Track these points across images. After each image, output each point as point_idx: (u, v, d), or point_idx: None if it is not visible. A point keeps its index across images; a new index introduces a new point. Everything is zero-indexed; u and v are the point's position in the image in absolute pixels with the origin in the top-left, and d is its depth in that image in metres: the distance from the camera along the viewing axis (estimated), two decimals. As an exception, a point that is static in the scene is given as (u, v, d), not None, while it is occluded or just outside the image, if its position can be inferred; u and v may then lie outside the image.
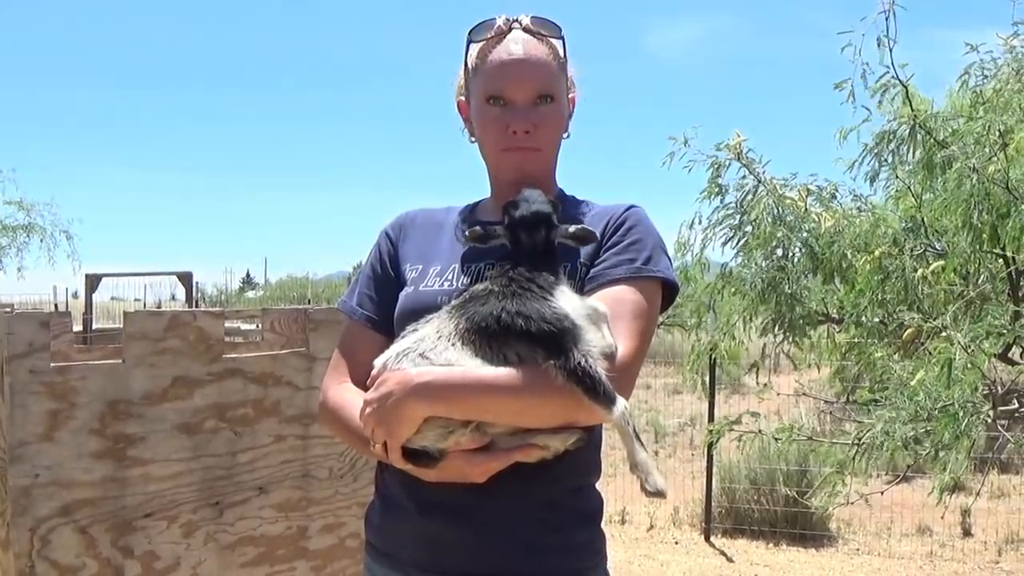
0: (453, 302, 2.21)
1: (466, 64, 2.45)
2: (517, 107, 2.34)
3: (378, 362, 2.19)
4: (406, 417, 2.09)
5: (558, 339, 2.04)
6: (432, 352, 2.12)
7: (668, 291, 2.35)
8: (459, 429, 2.08)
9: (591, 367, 2.01)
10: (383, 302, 2.48)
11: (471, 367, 2.08)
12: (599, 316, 2.14)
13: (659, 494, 2.06)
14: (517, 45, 2.37)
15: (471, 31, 2.43)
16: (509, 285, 2.14)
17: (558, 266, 2.22)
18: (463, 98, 2.50)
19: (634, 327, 2.19)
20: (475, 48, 2.42)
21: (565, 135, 2.48)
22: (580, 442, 2.17)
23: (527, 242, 2.22)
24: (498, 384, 2.06)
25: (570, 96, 2.48)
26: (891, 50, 5.31)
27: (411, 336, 2.19)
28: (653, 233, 2.36)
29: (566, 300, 2.13)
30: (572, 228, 2.25)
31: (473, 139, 2.50)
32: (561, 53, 2.43)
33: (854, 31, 5.27)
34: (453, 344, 2.11)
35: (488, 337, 2.09)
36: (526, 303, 2.08)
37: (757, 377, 6.84)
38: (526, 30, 2.39)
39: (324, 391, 2.51)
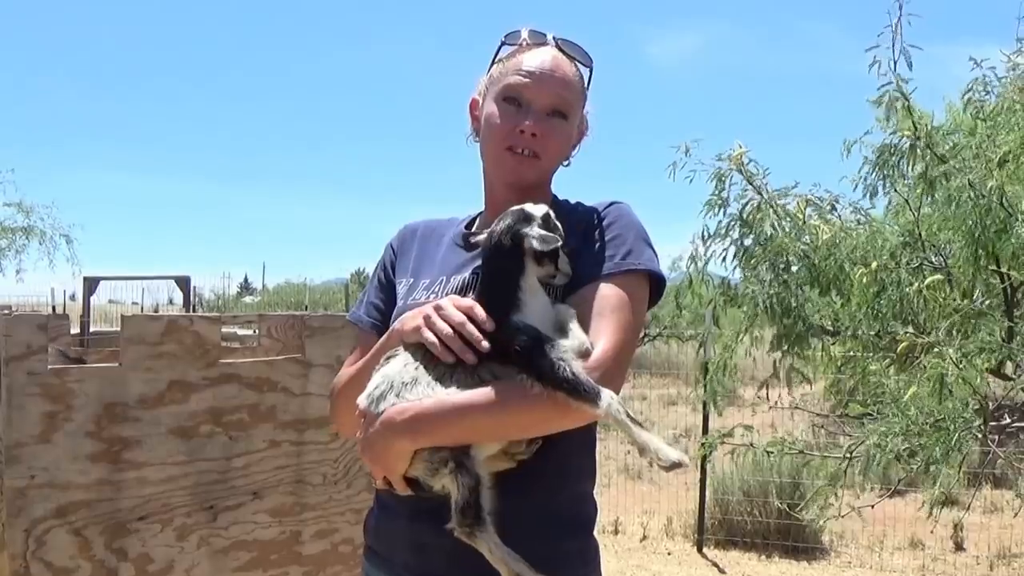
0: None
1: (494, 62, 2.49)
2: (532, 109, 2.36)
3: (361, 401, 2.20)
4: (394, 454, 2.13)
5: (526, 352, 2.05)
6: (406, 387, 2.13)
7: (656, 282, 2.36)
8: (442, 468, 2.10)
9: (566, 370, 2.01)
10: (389, 308, 2.52)
11: (447, 394, 2.10)
12: (568, 317, 2.14)
13: (677, 465, 2.01)
14: (548, 57, 2.40)
15: (508, 35, 2.47)
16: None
17: (522, 276, 2.19)
18: (478, 96, 2.52)
19: (616, 320, 2.18)
20: (507, 50, 2.47)
21: (565, 162, 2.51)
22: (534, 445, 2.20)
23: (493, 260, 2.21)
24: (477, 404, 2.07)
25: (579, 127, 2.50)
26: (895, 63, 5.34)
27: (383, 370, 2.20)
28: (634, 226, 2.36)
29: (531, 311, 2.13)
30: (535, 240, 2.18)
31: (477, 138, 2.52)
32: (585, 82, 2.48)
33: (879, 46, 5.29)
34: (428, 374, 2.13)
35: (460, 363, 2.11)
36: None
37: (768, 393, 6.80)
38: (559, 48, 2.43)
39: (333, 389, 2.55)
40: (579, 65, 2.46)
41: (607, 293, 2.23)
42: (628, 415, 2.03)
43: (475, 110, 2.53)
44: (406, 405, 2.10)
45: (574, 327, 2.13)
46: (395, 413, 2.11)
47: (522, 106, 2.37)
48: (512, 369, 2.07)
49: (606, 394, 2.02)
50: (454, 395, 2.09)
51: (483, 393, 2.08)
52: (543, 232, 2.15)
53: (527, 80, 2.37)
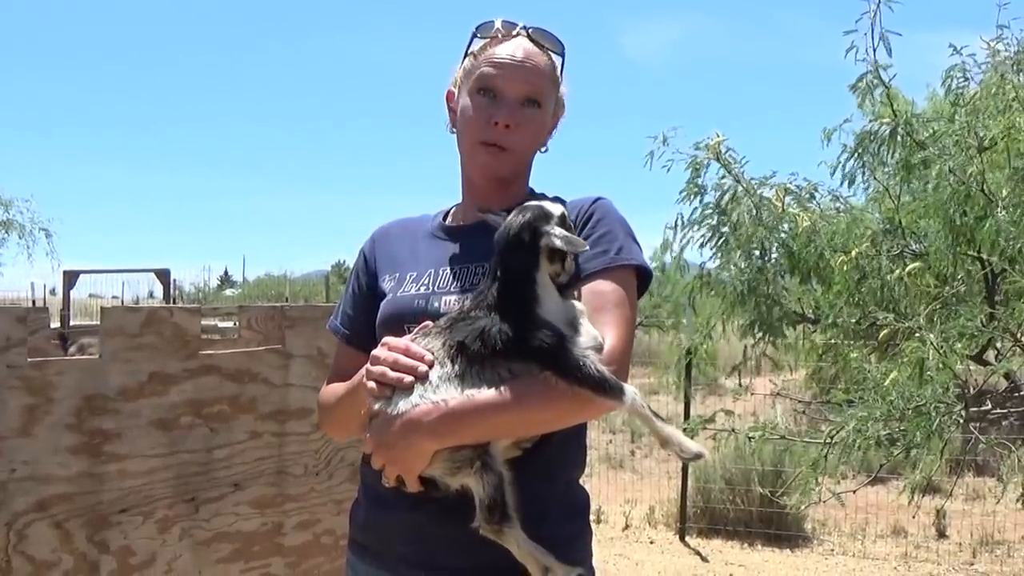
0: (440, 325, 2.21)
1: (467, 54, 2.50)
2: (505, 101, 2.38)
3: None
4: (416, 455, 2.12)
5: (550, 350, 2.05)
6: (428, 388, 2.12)
7: (642, 276, 2.38)
8: (465, 467, 2.10)
9: (591, 366, 2.03)
10: (358, 316, 2.57)
11: (470, 392, 2.10)
12: (578, 313, 2.16)
13: (698, 456, 2.10)
14: (519, 48, 2.42)
15: (479, 27, 2.49)
16: (490, 305, 2.14)
17: (537, 272, 2.18)
18: (454, 88, 2.53)
19: (617, 316, 2.23)
20: (479, 42, 2.48)
21: (543, 149, 2.53)
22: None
23: (508, 254, 2.20)
24: (501, 403, 2.08)
25: (555, 112, 2.52)
26: (874, 50, 5.34)
27: None
28: (621, 222, 2.40)
29: (547, 309, 2.13)
30: (558, 239, 2.17)
31: (454, 129, 2.53)
32: (558, 69, 2.49)
33: (857, 31, 5.30)
34: (449, 374, 2.12)
35: (479, 360, 2.10)
36: (510, 322, 2.10)
37: (739, 379, 6.83)
38: (530, 38, 2.45)
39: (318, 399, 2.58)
40: (551, 53, 2.47)
41: (606, 289, 2.27)
42: (649, 409, 2.09)
43: (451, 102, 2.55)
44: (431, 406, 2.10)
45: (585, 323, 2.16)
46: (420, 414, 2.10)
47: (496, 97, 2.40)
48: (531, 366, 2.09)
49: (629, 390, 2.06)
50: (478, 394, 2.09)
51: (506, 392, 2.09)
52: (564, 232, 2.16)
53: (499, 71, 2.40)
